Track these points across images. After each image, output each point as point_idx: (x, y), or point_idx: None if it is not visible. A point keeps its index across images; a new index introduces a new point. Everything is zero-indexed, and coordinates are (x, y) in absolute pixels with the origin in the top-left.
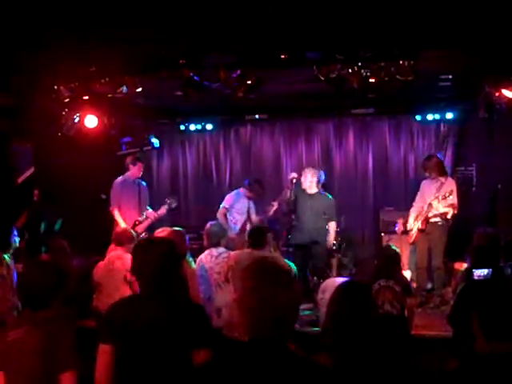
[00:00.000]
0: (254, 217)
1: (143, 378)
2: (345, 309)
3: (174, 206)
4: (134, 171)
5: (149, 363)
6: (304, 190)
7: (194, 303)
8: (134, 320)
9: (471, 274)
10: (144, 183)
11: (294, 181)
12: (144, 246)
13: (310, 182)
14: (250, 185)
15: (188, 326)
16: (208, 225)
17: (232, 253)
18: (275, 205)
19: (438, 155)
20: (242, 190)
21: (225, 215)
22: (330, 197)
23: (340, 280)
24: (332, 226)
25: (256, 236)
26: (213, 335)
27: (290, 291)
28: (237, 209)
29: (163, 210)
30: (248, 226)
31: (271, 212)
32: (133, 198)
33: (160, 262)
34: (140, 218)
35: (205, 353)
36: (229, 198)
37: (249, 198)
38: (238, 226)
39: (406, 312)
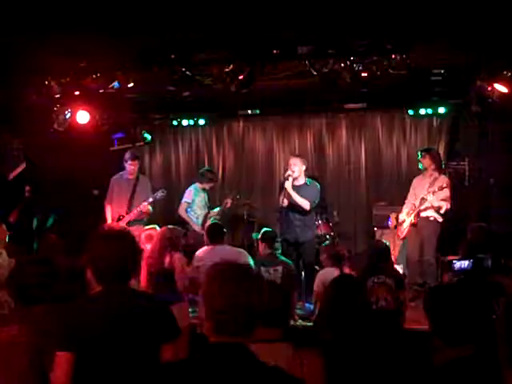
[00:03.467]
0: (211, 211)
1: (110, 378)
2: (338, 303)
3: (158, 197)
4: (128, 169)
5: (114, 363)
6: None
7: (156, 298)
8: (94, 322)
9: (452, 265)
10: (146, 179)
11: (290, 179)
12: (102, 238)
13: (300, 171)
14: (202, 175)
15: (150, 320)
16: (208, 223)
17: (198, 252)
18: (229, 202)
19: None
20: (197, 184)
21: (185, 210)
22: (316, 184)
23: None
24: (301, 201)
25: (214, 231)
26: (177, 330)
27: (252, 292)
28: (197, 203)
29: (146, 206)
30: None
31: (225, 208)
32: (124, 194)
33: (117, 254)
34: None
35: (170, 348)
36: (189, 193)
37: (204, 190)
38: (201, 220)
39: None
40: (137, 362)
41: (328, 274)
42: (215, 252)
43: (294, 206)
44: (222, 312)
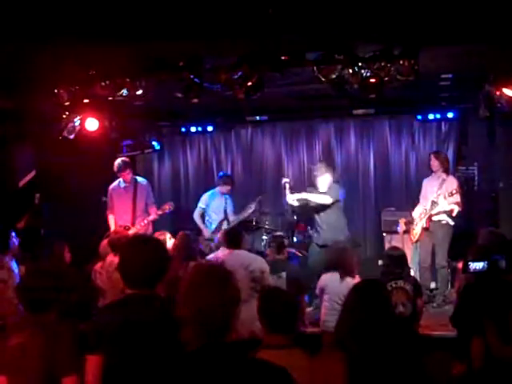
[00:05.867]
0: (231, 217)
1: (135, 381)
2: (363, 307)
3: (167, 211)
4: (123, 177)
5: (140, 367)
6: (314, 188)
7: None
8: (122, 325)
9: (467, 266)
10: (143, 181)
11: (287, 186)
12: (132, 244)
13: (324, 179)
14: (220, 178)
15: (175, 326)
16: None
17: (220, 255)
18: (252, 207)
19: None
20: (217, 188)
21: (201, 215)
22: (336, 185)
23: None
24: (320, 197)
25: (233, 236)
26: None
27: (225, 300)
28: (213, 208)
29: (154, 216)
30: (224, 226)
31: (247, 213)
32: (125, 202)
33: (145, 260)
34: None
35: None
36: (204, 198)
37: (223, 194)
38: (214, 225)
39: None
40: (161, 366)
41: (326, 279)
42: (233, 256)
43: (318, 209)
44: (193, 320)
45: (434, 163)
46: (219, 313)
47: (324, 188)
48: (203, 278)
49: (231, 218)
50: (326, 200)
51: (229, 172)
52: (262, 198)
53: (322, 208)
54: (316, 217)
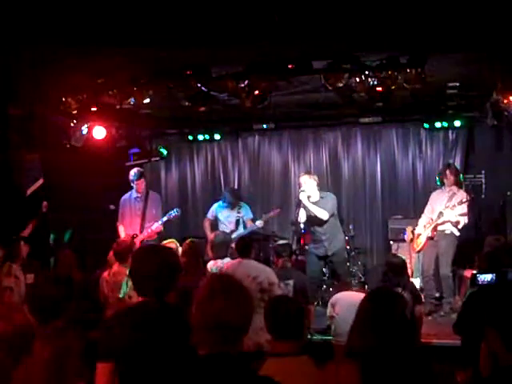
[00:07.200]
0: (256, 223)
1: None
2: (377, 316)
3: (172, 216)
4: (135, 188)
5: (153, 375)
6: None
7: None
8: (133, 334)
9: (476, 279)
10: (155, 195)
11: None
12: (143, 252)
13: (312, 187)
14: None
15: (184, 334)
16: (212, 236)
17: (226, 263)
18: (259, 225)
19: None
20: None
21: (209, 224)
22: (330, 195)
23: (350, 294)
24: (318, 211)
25: (242, 246)
26: None
27: (241, 308)
28: (222, 219)
29: (159, 227)
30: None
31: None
32: (135, 213)
33: (156, 269)
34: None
35: None
36: (212, 209)
37: (233, 208)
38: None
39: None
40: (170, 374)
41: (340, 296)
42: (241, 266)
43: (315, 221)
44: (207, 327)
45: (450, 178)
46: (237, 319)
47: (316, 197)
48: (220, 286)
49: (251, 226)
50: (323, 215)
51: (235, 179)
52: (270, 218)
53: (320, 220)
54: (315, 228)
